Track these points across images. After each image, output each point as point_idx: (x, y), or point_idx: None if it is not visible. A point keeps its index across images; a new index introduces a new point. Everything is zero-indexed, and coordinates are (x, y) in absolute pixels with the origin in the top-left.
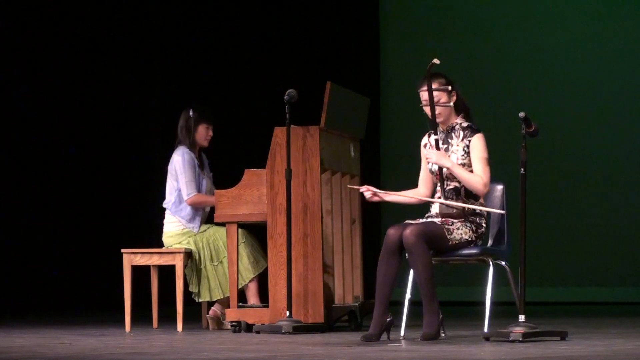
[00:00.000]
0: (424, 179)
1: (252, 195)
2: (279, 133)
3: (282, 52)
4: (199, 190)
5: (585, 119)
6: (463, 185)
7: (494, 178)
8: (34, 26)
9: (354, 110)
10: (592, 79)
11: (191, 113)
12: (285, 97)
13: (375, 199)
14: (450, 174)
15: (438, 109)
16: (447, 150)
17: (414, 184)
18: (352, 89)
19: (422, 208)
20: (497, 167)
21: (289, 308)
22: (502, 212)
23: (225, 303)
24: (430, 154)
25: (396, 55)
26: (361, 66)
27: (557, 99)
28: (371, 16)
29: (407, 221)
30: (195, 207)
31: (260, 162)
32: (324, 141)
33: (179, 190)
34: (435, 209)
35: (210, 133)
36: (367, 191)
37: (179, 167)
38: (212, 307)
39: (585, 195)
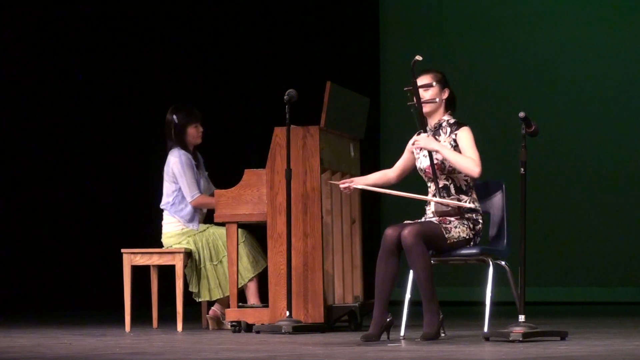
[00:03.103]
0: (399, 165)
1: (252, 195)
2: (279, 133)
3: (282, 52)
4: (200, 191)
5: (585, 119)
6: (452, 182)
7: (494, 178)
8: (33, 26)
9: (354, 110)
10: (593, 79)
11: (175, 118)
12: (285, 97)
13: (351, 189)
14: (440, 170)
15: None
16: None
17: (413, 184)
18: (352, 89)
19: (420, 208)
20: (497, 167)
21: (289, 308)
22: (470, 206)
23: (225, 303)
24: (418, 139)
25: (396, 55)
26: (361, 66)
27: (557, 99)
28: (371, 16)
29: (405, 221)
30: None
31: (260, 162)
32: (324, 141)
33: (178, 191)
34: (431, 208)
35: (200, 129)
36: (346, 187)
37: (178, 170)
38: (212, 307)
39: (585, 195)
